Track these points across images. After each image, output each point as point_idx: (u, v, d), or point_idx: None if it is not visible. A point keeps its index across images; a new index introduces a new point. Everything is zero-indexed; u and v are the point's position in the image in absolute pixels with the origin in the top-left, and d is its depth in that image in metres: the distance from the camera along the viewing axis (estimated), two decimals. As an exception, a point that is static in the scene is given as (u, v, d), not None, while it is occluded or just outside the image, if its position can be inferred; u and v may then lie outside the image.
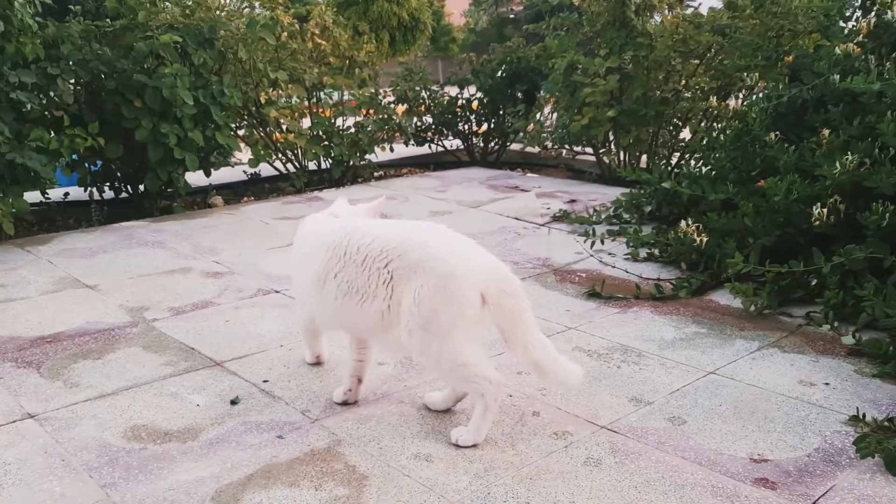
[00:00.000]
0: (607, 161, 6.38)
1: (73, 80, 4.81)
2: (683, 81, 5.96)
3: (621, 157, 6.28)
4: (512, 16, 28.67)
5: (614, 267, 4.08)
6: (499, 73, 7.19)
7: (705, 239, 3.83)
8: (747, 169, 4.18)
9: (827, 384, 2.74)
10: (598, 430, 2.46)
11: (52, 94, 4.75)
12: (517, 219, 5.13)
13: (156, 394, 2.71)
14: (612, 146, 6.35)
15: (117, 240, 4.57)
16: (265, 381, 2.81)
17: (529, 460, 2.28)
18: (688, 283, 3.71)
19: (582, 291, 3.73)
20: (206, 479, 2.20)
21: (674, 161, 6.10)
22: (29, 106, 4.49)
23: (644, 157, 6.22)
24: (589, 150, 6.60)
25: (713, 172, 4.51)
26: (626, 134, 5.97)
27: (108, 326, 3.30)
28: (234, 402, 2.66)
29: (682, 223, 3.95)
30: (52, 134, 4.56)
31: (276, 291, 3.75)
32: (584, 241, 4.17)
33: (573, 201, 5.58)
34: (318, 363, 2.95)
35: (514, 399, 2.66)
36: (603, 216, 4.86)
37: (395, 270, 2.35)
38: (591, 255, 4.22)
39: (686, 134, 6.15)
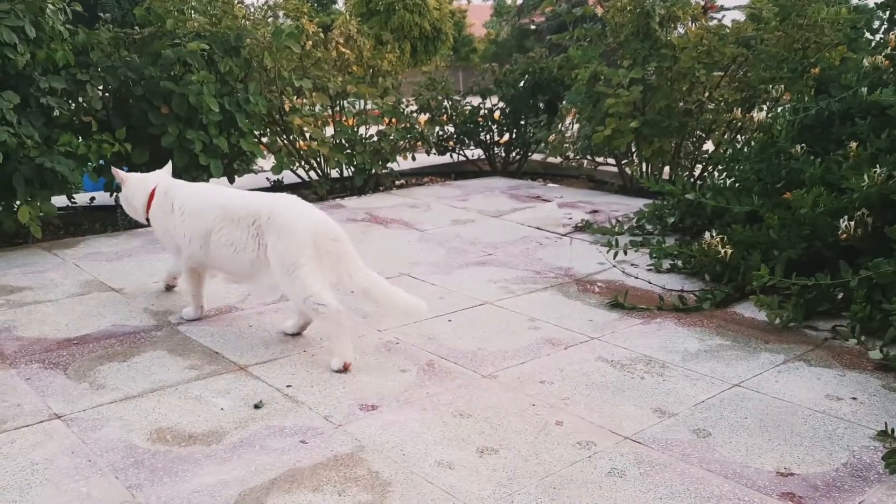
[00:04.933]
0: (629, 172, 6.36)
1: (101, 87, 4.88)
2: (707, 93, 5.94)
3: (644, 168, 6.27)
4: (533, 27, 28.71)
5: (637, 278, 4.07)
6: (521, 84, 7.20)
7: (730, 251, 3.81)
8: (772, 181, 4.16)
9: (854, 399, 2.71)
10: (622, 441, 2.44)
11: (80, 99, 4.82)
12: (539, 228, 5.13)
13: (180, 397, 2.73)
14: (635, 157, 6.33)
15: (142, 244, 4.61)
16: (288, 386, 2.82)
17: (553, 469, 2.27)
18: (712, 294, 3.68)
19: (605, 302, 3.72)
20: (230, 482, 2.21)
21: (696, 172, 6.08)
22: (58, 111, 4.55)
23: (667, 169, 6.20)
24: (611, 160, 6.58)
25: (737, 184, 4.49)
26: (648, 145, 5.95)
27: (133, 329, 3.33)
28: (257, 407, 2.67)
29: (707, 235, 3.93)
30: (80, 139, 4.61)
31: (299, 297, 3.76)
32: (608, 252, 4.15)
33: (595, 212, 5.57)
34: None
35: (536, 408, 2.66)
36: (625, 227, 4.84)
37: (259, 227, 3.08)
38: (614, 266, 4.21)
39: (709, 146, 6.12)
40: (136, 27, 5.32)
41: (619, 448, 2.40)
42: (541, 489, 2.17)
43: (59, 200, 5.04)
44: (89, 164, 4.77)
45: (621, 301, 3.64)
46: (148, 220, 3.55)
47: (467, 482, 2.21)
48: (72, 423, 2.52)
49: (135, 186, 3.56)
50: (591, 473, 2.25)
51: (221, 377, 2.89)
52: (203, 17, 5.43)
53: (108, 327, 3.35)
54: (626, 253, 4.19)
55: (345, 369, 2.93)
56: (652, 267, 4.20)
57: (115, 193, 5.29)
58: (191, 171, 5.13)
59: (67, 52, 4.55)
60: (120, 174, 3.61)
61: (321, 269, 3.02)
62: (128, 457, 2.33)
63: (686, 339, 3.27)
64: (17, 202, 4.40)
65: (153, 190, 3.50)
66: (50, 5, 4.33)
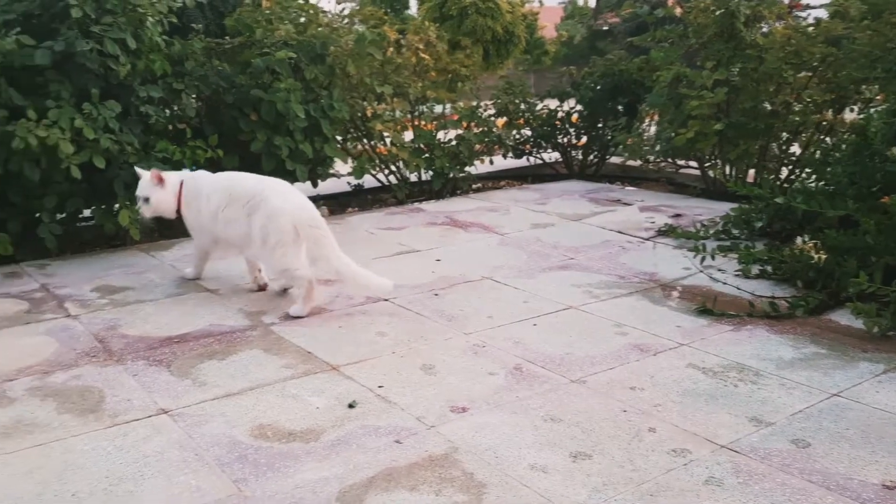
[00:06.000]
0: (713, 175, 6.24)
1: (194, 95, 5.07)
2: (794, 94, 5.79)
3: (727, 171, 6.14)
4: (605, 28, 28.36)
5: (725, 283, 3.99)
6: (599, 86, 7.14)
7: (823, 256, 3.71)
8: (867, 184, 4.03)
9: (963, 411, 2.61)
10: (718, 450, 2.41)
11: (175, 107, 5.02)
12: (621, 232, 5.08)
13: (278, 395, 2.82)
14: (718, 160, 6.21)
15: (238, 254, 4.75)
16: (380, 387, 2.88)
17: (648, 476, 2.26)
18: (805, 301, 3.59)
19: (692, 307, 3.67)
20: (330, 479, 2.28)
21: (783, 175, 5.92)
22: (155, 119, 4.75)
23: (751, 172, 6.06)
24: (693, 163, 6.47)
25: (829, 188, 4.36)
26: (733, 147, 5.83)
27: (229, 329, 3.46)
28: (351, 406, 2.74)
29: (798, 240, 3.83)
30: (176, 145, 4.80)
31: (385, 300, 3.83)
32: (694, 257, 4.09)
33: (678, 215, 5.49)
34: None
35: (628, 414, 2.65)
36: (711, 231, 4.75)
37: (249, 206, 3.62)
38: (701, 271, 4.14)
39: (795, 148, 5.95)
40: (227, 37, 5.51)
41: (716, 456, 2.37)
42: (637, 496, 2.17)
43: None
44: (184, 169, 4.95)
45: (710, 307, 3.59)
46: (178, 213, 3.96)
47: (562, 486, 2.22)
48: (178, 419, 2.64)
49: (173, 183, 3.94)
50: (687, 481, 2.24)
51: (315, 376, 2.97)
52: (289, 25, 5.57)
53: (206, 326, 3.48)
54: (713, 258, 4.11)
55: (298, 317, 3.55)
56: (740, 272, 4.11)
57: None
58: (277, 175, 5.24)
59: (164, 62, 4.75)
60: (164, 174, 3.94)
61: (299, 248, 3.57)
62: (232, 451, 2.43)
63: (779, 347, 3.20)
64: (117, 205, 4.61)
65: (181, 184, 3.93)
66: (150, 18, 4.52)
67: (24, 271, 4.27)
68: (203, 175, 4.03)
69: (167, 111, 4.93)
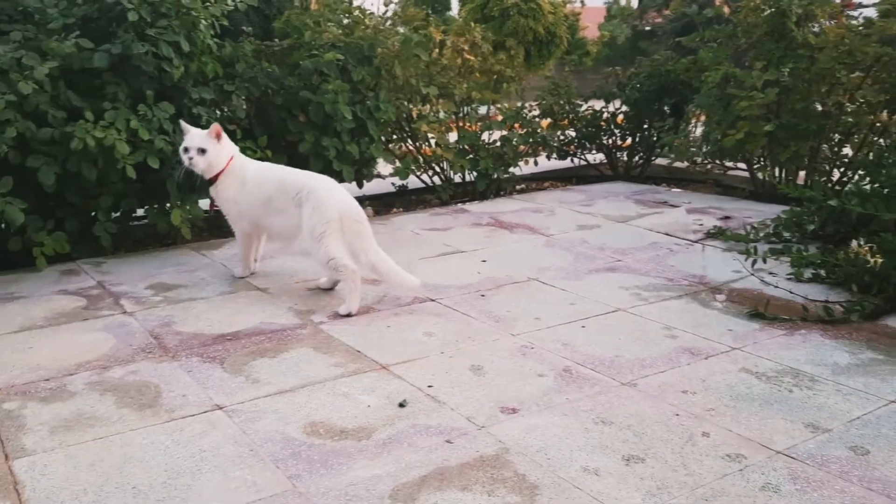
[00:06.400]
0: (762, 177, 6.14)
1: (244, 96, 5.15)
2: (848, 95, 5.67)
3: (777, 173, 6.04)
4: (648, 28, 28.06)
5: (777, 287, 3.93)
6: (644, 87, 7.07)
7: (879, 260, 3.63)
8: (925, 187, 3.93)
9: None
10: (774, 455, 2.38)
11: (226, 109, 5.10)
12: (668, 234, 5.03)
13: (329, 393, 2.85)
14: (768, 161, 6.11)
15: (280, 246, 4.82)
16: (429, 387, 2.89)
17: (703, 481, 2.24)
18: (860, 306, 3.52)
19: (743, 311, 3.62)
20: (383, 476, 2.30)
21: (834, 178, 5.80)
22: (206, 120, 4.83)
23: (802, 173, 5.95)
24: (741, 165, 6.37)
25: (885, 190, 4.26)
26: (783, 149, 5.73)
27: (280, 327, 3.50)
28: (402, 405, 2.76)
29: (854, 243, 3.75)
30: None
31: (432, 300, 3.85)
32: (746, 260, 4.03)
33: (727, 218, 5.41)
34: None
35: (680, 418, 2.62)
36: (761, 234, 4.68)
37: (298, 198, 3.76)
38: (752, 274, 4.08)
39: (847, 150, 5.83)
40: (276, 39, 5.58)
41: (772, 462, 2.33)
42: (692, 500, 2.15)
43: (203, 204, 5.35)
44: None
45: (762, 311, 3.54)
46: (212, 179, 4.02)
47: (615, 490, 2.21)
48: (232, 414, 2.69)
49: (228, 147, 4.02)
50: (743, 487, 2.21)
51: (365, 375, 3.00)
52: (336, 27, 5.63)
53: (257, 324, 3.54)
54: (764, 261, 4.05)
55: (348, 315, 3.60)
56: (792, 276, 4.05)
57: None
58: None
59: (216, 64, 4.84)
60: (221, 130, 3.98)
61: (342, 240, 3.66)
62: (286, 448, 2.46)
63: (834, 352, 3.14)
64: (169, 205, 4.71)
65: (231, 158, 4.01)
66: (202, 21, 4.61)
67: (81, 269, 4.39)
68: (251, 160, 4.17)
69: (218, 112, 5.01)
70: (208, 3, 4.77)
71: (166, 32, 4.44)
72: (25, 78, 4.03)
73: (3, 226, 4.31)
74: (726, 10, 6.43)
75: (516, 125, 6.68)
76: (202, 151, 3.92)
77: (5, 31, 4.43)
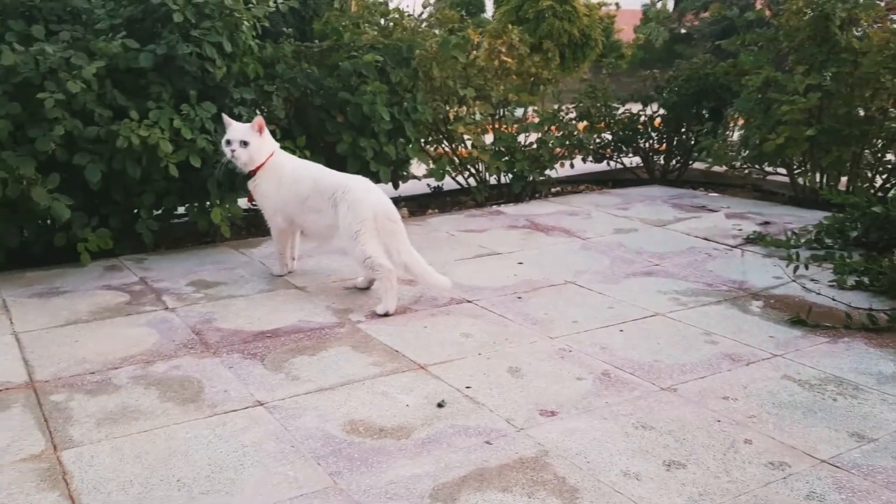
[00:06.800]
0: (802, 182, 6.05)
1: (284, 97, 5.20)
2: (892, 100, 5.57)
3: (818, 179, 5.95)
4: (683, 31, 27.79)
5: (819, 294, 3.87)
6: (683, 90, 7.01)
7: (926, 269, 3.56)
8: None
9: None
10: (818, 464, 2.34)
11: (265, 109, 5.17)
12: (707, 239, 4.98)
13: (368, 391, 2.87)
14: (809, 167, 6.02)
15: (317, 245, 4.86)
16: (468, 388, 2.90)
17: (746, 489, 2.22)
18: (906, 314, 3.45)
19: (784, 318, 3.57)
20: (423, 476, 2.31)
21: (877, 184, 5.70)
22: (245, 119, 4.89)
23: (844, 179, 5.85)
24: (781, 170, 6.29)
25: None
26: (825, 154, 5.64)
27: (318, 325, 3.54)
28: (440, 405, 2.77)
29: (899, 251, 3.69)
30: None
31: (469, 301, 3.86)
32: (787, 266, 3.98)
33: (766, 223, 5.34)
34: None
35: (722, 425, 2.60)
36: (802, 240, 4.61)
37: (333, 198, 3.80)
38: (793, 280, 4.03)
39: (891, 156, 5.72)
40: (316, 40, 5.63)
41: (816, 471, 2.30)
42: (735, 507, 2.13)
43: (242, 202, 5.42)
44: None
45: (804, 318, 3.49)
46: (250, 174, 4.05)
47: (657, 495, 2.19)
48: (273, 411, 2.72)
49: (270, 142, 4.09)
50: (787, 496, 2.18)
51: (404, 374, 3.02)
52: (375, 29, 5.67)
53: (296, 322, 3.57)
54: (806, 267, 4.00)
55: (386, 315, 3.63)
56: (834, 283, 3.99)
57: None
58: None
59: (257, 65, 4.90)
60: (264, 124, 4.02)
61: (378, 239, 3.69)
62: (326, 445, 2.49)
63: (879, 361, 3.09)
64: (209, 203, 4.78)
65: (271, 154, 4.06)
66: (245, 22, 4.67)
67: (124, 265, 4.47)
68: (290, 157, 4.23)
69: (258, 112, 5.07)
70: (251, 5, 4.83)
71: (210, 33, 4.51)
72: (74, 77, 4.12)
73: (49, 221, 4.41)
74: (767, 12, 6.33)
75: (552, 127, 6.66)
76: (245, 144, 3.96)
77: (55, 30, 4.53)
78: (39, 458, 2.41)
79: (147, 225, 4.57)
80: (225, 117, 4.11)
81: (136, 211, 4.64)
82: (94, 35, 4.50)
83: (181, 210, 4.90)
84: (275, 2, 5.26)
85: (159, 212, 4.75)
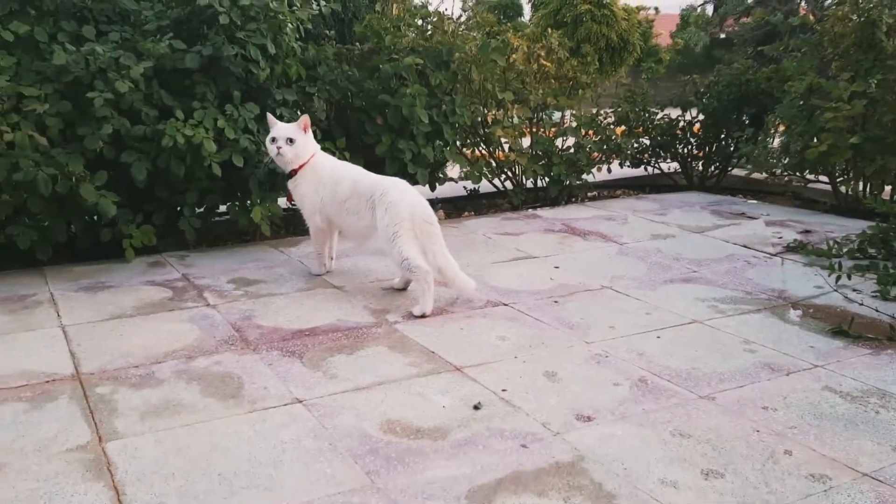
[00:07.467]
0: (845, 191, 5.95)
1: (325, 98, 5.26)
2: (941, 108, 5.45)
3: (861, 187, 5.85)
4: (722, 35, 27.41)
5: (861, 304, 3.81)
6: (724, 96, 6.94)
7: (974, 281, 3.48)
8: None
9: None
10: (860, 478, 2.31)
11: (307, 110, 5.23)
12: (746, 247, 4.93)
13: (404, 392, 2.90)
14: (852, 175, 5.92)
15: (354, 246, 4.91)
16: (504, 391, 2.91)
17: (785, 500, 2.20)
18: (952, 328, 3.39)
19: (826, 328, 3.52)
20: (459, 477, 2.32)
21: (923, 194, 5.59)
22: (287, 120, 4.96)
23: (887, 188, 5.75)
24: (823, 178, 6.19)
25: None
26: (869, 162, 5.55)
27: (355, 325, 3.57)
28: (476, 408, 2.78)
29: (946, 263, 3.61)
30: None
31: (505, 304, 3.87)
32: (830, 276, 3.92)
33: (807, 231, 5.27)
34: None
35: (761, 435, 2.57)
36: (844, 249, 4.54)
37: (371, 200, 3.85)
38: (835, 290, 3.97)
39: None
40: (357, 43, 5.69)
41: (858, 485, 2.27)
42: (774, 518, 2.11)
43: (281, 202, 5.49)
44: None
45: (846, 328, 3.43)
46: (291, 174, 4.12)
47: None
48: (311, 408, 2.76)
49: (310, 142, 4.14)
50: (827, 508, 2.16)
51: (440, 376, 3.04)
52: (416, 32, 5.70)
53: (334, 321, 3.61)
54: (849, 277, 3.94)
55: (422, 316, 3.66)
56: (878, 294, 3.92)
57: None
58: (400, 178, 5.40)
59: (299, 66, 4.96)
60: (309, 123, 4.09)
61: (415, 240, 3.72)
62: (363, 444, 2.52)
63: (924, 375, 3.04)
64: (250, 202, 4.85)
65: (313, 154, 4.12)
66: (289, 25, 4.73)
67: (167, 261, 4.56)
68: (330, 158, 4.29)
69: (299, 113, 5.13)
70: (294, 7, 4.90)
71: (254, 35, 4.58)
72: (122, 77, 4.21)
73: (95, 217, 4.51)
74: (812, 18, 6.25)
75: (590, 132, 6.64)
76: (291, 141, 4.02)
77: (104, 31, 4.64)
78: (85, 448, 2.48)
79: (190, 222, 4.65)
80: (270, 117, 4.17)
81: (179, 208, 4.73)
82: (142, 36, 4.61)
83: (223, 208, 4.99)
84: (317, 4, 5.33)
85: (202, 210, 4.83)
